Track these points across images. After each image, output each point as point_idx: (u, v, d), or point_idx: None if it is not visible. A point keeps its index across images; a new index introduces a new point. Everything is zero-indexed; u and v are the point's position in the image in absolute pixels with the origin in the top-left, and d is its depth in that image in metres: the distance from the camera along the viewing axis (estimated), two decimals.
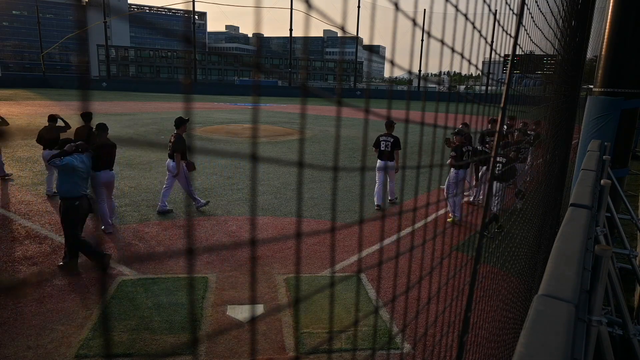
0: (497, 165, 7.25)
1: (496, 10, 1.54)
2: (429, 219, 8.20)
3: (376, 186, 9.19)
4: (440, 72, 1.58)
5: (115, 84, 55.98)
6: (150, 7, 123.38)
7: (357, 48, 69.85)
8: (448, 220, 8.11)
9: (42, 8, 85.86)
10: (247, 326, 4.49)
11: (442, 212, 8.60)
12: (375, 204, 9.18)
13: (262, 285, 5.36)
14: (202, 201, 8.18)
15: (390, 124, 8.87)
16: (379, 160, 8.99)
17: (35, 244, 6.27)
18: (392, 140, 8.81)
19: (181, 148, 7.47)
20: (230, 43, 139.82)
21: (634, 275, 4.98)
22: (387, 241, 6.90)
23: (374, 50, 0.86)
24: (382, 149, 8.87)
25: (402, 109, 34.03)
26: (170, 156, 7.70)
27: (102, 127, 6.79)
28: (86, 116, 7.97)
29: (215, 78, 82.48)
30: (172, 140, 7.61)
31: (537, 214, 3.34)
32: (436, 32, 1.17)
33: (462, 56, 1.24)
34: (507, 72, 1.81)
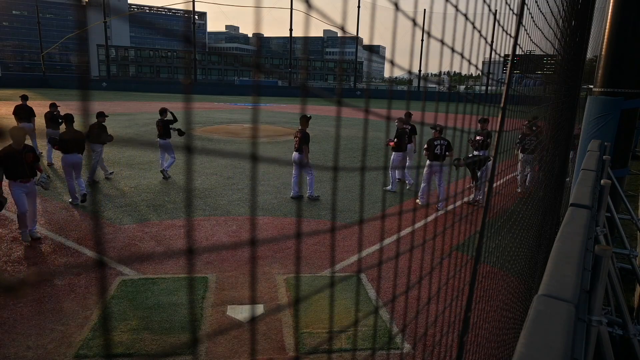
0: (530, 142, 8.12)
1: (496, 10, 1.54)
2: (429, 219, 8.20)
3: (397, 173, 10.45)
4: (440, 72, 1.58)
5: (115, 84, 55.93)
6: (150, 7, 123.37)
7: (357, 48, 69.85)
8: (417, 201, 9.09)
9: (42, 8, 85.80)
10: (247, 326, 4.49)
11: (441, 212, 8.60)
12: (398, 179, 10.56)
13: (262, 285, 5.36)
14: (315, 194, 9.18)
15: (409, 114, 10.56)
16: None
17: (35, 244, 6.27)
18: (409, 128, 10.43)
19: (308, 142, 8.86)
20: (230, 43, 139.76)
21: (634, 275, 4.98)
22: (387, 241, 6.90)
23: (374, 50, 0.86)
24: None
25: (402, 109, 34.02)
26: (298, 150, 8.82)
27: (69, 118, 8.17)
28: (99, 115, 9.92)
29: (215, 78, 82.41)
30: (298, 136, 8.80)
31: (537, 214, 3.34)
32: (436, 32, 1.17)
33: (462, 56, 1.24)
34: (507, 72, 1.81)
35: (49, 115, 11.12)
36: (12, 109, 12.47)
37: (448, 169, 9.66)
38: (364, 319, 4.69)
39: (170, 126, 10.25)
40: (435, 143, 8.87)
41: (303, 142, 8.76)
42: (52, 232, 6.75)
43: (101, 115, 9.93)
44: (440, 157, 8.83)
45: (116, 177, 10.26)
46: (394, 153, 10.07)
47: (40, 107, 13.08)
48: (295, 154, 9.01)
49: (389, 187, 10.25)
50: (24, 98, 12.58)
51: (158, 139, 10.28)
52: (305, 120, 9.04)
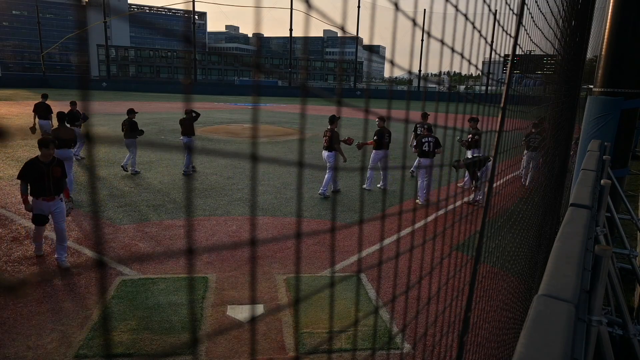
0: (535, 140, 8.69)
1: (496, 10, 1.54)
2: (429, 219, 8.20)
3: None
4: (440, 72, 1.58)
5: (115, 84, 55.88)
6: (150, 7, 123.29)
7: (357, 48, 69.83)
8: (417, 202, 9.32)
9: (42, 8, 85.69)
10: (247, 326, 4.49)
11: (441, 212, 8.60)
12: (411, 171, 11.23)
13: (262, 285, 5.36)
14: (327, 194, 9.17)
15: (425, 114, 11.15)
16: (414, 141, 10.85)
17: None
18: (425, 126, 10.90)
19: (339, 140, 9.35)
20: (230, 43, 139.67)
21: (634, 275, 4.98)
22: (387, 241, 6.90)
23: (374, 50, 0.86)
24: (418, 132, 11.24)
25: (402, 109, 34.02)
26: (327, 148, 9.21)
27: (62, 117, 8.64)
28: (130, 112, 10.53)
29: (215, 78, 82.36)
30: (328, 135, 9.22)
31: (537, 214, 3.34)
32: (436, 32, 1.17)
33: (462, 56, 1.24)
34: (507, 72, 1.81)
35: (69, 114, 11.36)
36: (12, 109, 12.56)
37: (435, 166, 9.82)
38: (364, 319, 4.69)
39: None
40: (424, 140, 9.19)
41: (335, 140, 9.09)
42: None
43: (131, 112, 10.39)
44: (428, 153, 9.08)
45: (116, 177, 10.26)
46: (374, 151, 10.04)
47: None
48: (324, 152, 9.23)
49: (365, 185, 10.03)
50: (44, 96, 13.13)
51: (182, 137, 10.76)
52: (334, 119, 9.20)
